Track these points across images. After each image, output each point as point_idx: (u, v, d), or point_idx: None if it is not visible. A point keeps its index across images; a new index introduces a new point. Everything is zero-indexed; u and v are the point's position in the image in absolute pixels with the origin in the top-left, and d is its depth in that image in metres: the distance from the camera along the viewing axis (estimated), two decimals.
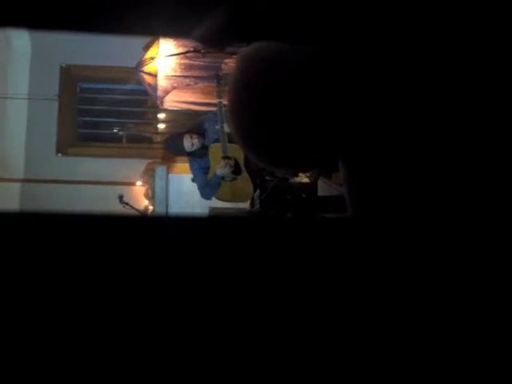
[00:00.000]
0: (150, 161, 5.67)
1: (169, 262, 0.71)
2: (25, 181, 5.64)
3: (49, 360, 0.67)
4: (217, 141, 4.12)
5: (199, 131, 4.26)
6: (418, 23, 0.89)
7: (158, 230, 0.74)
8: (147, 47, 5.01)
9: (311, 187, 3.33)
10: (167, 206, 5.06)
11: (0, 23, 0.96)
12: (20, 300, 0.68)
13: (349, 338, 0.72)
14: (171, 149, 4.49)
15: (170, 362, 0.69)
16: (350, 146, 0.95)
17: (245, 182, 4.09)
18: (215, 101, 4.29)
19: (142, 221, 0.84)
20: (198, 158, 4.20)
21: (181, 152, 4.27)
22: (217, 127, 4.08)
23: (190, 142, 4.14)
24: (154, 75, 4.78)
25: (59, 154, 5.80)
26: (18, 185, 5.61)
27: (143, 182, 5.53)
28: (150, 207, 5.31)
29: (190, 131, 4.24)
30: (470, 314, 0.75)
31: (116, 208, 4.62)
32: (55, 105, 5.73)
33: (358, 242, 0.74)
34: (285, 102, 0.91)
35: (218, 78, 4.12)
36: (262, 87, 0.92)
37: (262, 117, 0.92)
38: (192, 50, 4.55)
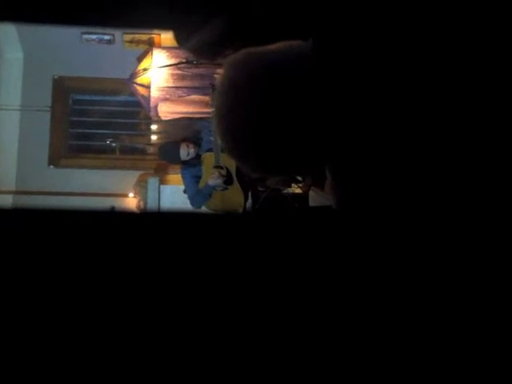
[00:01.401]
0: (142, 172, 5.66)
1: (161, 258, 0.70)
2: (17, 192, 5.62)
3: (45, 355, 0.67)
4: (210, 150, 4.12)
5: (195, 140, 4.25)
6: (413, 33, 0.89)
7: (151, 225, 0.73)
8: (140, 59, 5.03)
9: (303, 198, 3.33)
10: None
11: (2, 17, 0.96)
12: (16, 293, 0.67)
13: (342, 332, 0.72)
14: (166, 157, 4.47)
15: (164, 359, 0.69)
16: (336, 153, 0.94)
17: (236, 191, 4.08)
18: (208, 110, 4.30)
19: (135, 216, 0.84)
20: (191, 166, 4.19)
21: (175, 160, 4.25)
22: (211, 138, 4.07)
23: (186, 151, 4.13)
24: (147, 86, 4.79)
25: (51, 166, 5.79)
26: (9, 197, 5.58)
27: (135, 193, 5.52)
28: None
29: (186, 140, 4.23)
30: (457, 308, 0.75)
31: None
32: (48, 116, 5.73)
33: (346, 245, 0.74)
34: (273, 107, 0.90)
35: (212, 87, 4.12)
36: (250, 93, 0.92)
37: (251, 123, 0.92)
38: (185, 60, 4.56)
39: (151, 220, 0.75)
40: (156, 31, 5.12)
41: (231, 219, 0.76)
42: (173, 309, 0.70)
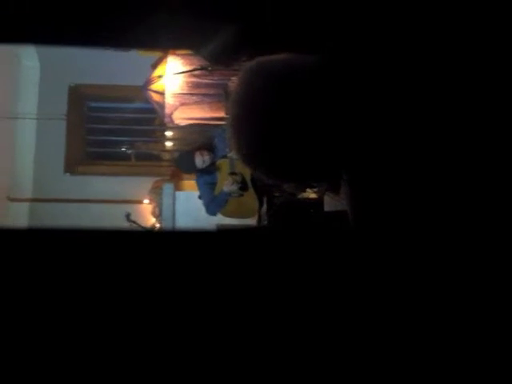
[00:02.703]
0: (157, 178, 5.68)
1: (176, 276, 0.70)
2: (33, 200, 5.66)
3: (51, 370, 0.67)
4: (224, 157, 4.12)
5: (209, 147, 4.25)
6: (418, 42, 0.89)
7: (166, 244, 0.73)
8: (155, 66, 5.05)
9: (319, 203, 3.31)
10: (174, 223, 5.05)
11: (12, 39, 0.97)
12: (28, 312, 0.67)
13: (350, 345, 0.71)
14: (183, 167, 4.44)
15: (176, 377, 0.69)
16: (352, 162, 0.94)
17: (251, 197, 4.07)
18: (223, 115, 4.30)
19: (150, 235, 0.84)
20: (206, 174, 4.19)
21: (192, 169, 4.24)
22: (227, 150, 4.06)
23: (201, 159, 4.13)
24: (162, 93, 4.81)
25: (67, 173, 5.83)
26: (26, 204, 5.63)
27: (150, 199, 5.53)
28: (157, 225, 5.30)
29: (200, 148, 4.23)
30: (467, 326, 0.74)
31: (123, 226, 4.62)
32: (64, 124, 5.77)
33: (359, 253, 0.73)
34: (289, 117, 0.90)
35: (226, 94, 4.12)
36: (264, 102, 0.91)
37: (265, 131, 0.91)
38: (199, 67, 4.58)
39: (164, 239, 0.75)
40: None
41: (244, 237, 0.76)
42: (186, 326, 0.69)
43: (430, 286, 0.74)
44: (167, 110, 4.82)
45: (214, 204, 4.11)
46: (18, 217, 5.49)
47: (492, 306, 0.75)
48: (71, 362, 0.67)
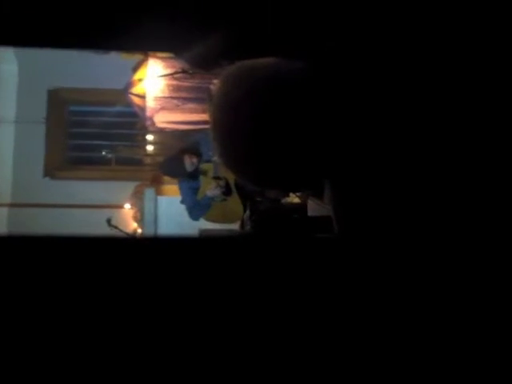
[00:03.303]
0: (138, 183, 5.65)
1: (158, 283, 0.69)
2: (12, 205, 5.61)
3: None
4: (208, 161, 4.10)
5: (195, 151, 4.22)
6: (410, 50, 0.89)
7: (147, 250, 0.72)
8: (136, 69, 5.03)
9: (302, 207, 3.31)
10: (156, 228, 5.04)
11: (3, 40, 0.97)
12: (5, 323, 0.66)
13: (337, 354, 0.71)
14: (172, 172, 4.38)
15: None
16: (336, 167, 0.93)
17: (235, 202, 4.05)
18: (205, 118, 4.29)
19: (131, 242, 0.84)
20: (191, 178, 4.15)
21: (181, 174, 4.17)
22: (210, 154, 4.04)
23: (190, 163, 4.09)
24: (143, 97, 4.78)
25: (47, 178, 5.78)
26: (5, 209, 5.57)
27: (132, 204, 5.51)
28: (139, 230, 5.28)
29: (187, 151, 4.20)
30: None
31: (104, 231, 4.59)
32: (43, 128, 5.73)
33: (344, 260, 0.73)
34: (277, 122, 0.89)
35: (210, 97, 4.10)
36: (246, 108, 0.90)
37: (248, 137, 0.90)
38: (180, 70, 4.57)
39: (146, 246, 0.74)
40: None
41: (226, 243, 0.75)
42: (168, 334, 0.68)
43: (415, 288, 0.74)
44: (148, 114, 4.80)
45: (197, 209, 4.08)
46: None
47: (484, 312, 0.75)
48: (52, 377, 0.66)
